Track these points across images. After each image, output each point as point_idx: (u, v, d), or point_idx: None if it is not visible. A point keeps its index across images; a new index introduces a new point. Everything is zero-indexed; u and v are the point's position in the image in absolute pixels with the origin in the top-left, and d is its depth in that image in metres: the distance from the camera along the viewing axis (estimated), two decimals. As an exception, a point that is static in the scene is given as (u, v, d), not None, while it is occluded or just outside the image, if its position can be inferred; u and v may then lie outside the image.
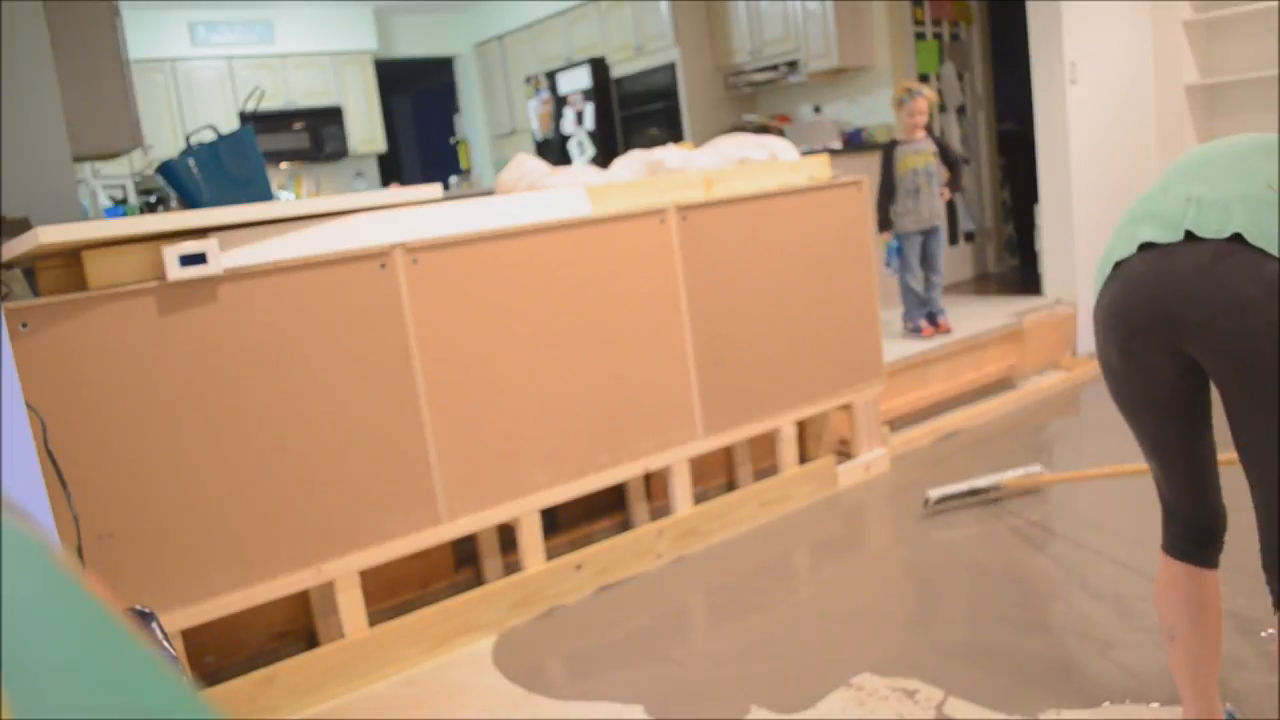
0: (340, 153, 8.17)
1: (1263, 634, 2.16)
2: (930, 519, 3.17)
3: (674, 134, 6.60)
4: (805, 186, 3.31)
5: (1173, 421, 1.56)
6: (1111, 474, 2.98)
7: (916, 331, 4.43)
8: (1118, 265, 1.52)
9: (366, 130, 8.36)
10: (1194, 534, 1.63)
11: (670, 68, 6.63)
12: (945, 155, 4.54)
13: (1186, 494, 1.62)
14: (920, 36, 5.90)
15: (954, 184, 4.61)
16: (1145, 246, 1.48)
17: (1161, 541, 1.70)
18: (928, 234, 4.49)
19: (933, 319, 4.46)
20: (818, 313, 3.35)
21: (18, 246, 1.97)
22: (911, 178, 4.43)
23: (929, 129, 4.55)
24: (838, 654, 2.36)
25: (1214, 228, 1.40)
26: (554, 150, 7.55)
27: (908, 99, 4.43)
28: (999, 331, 4.52)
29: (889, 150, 4.52)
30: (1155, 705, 1.98)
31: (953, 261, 6.17)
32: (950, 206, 6.13)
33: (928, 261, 4.51)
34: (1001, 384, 4.48)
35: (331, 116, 8.11)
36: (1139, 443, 1.65)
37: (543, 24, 7.87)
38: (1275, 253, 1.36)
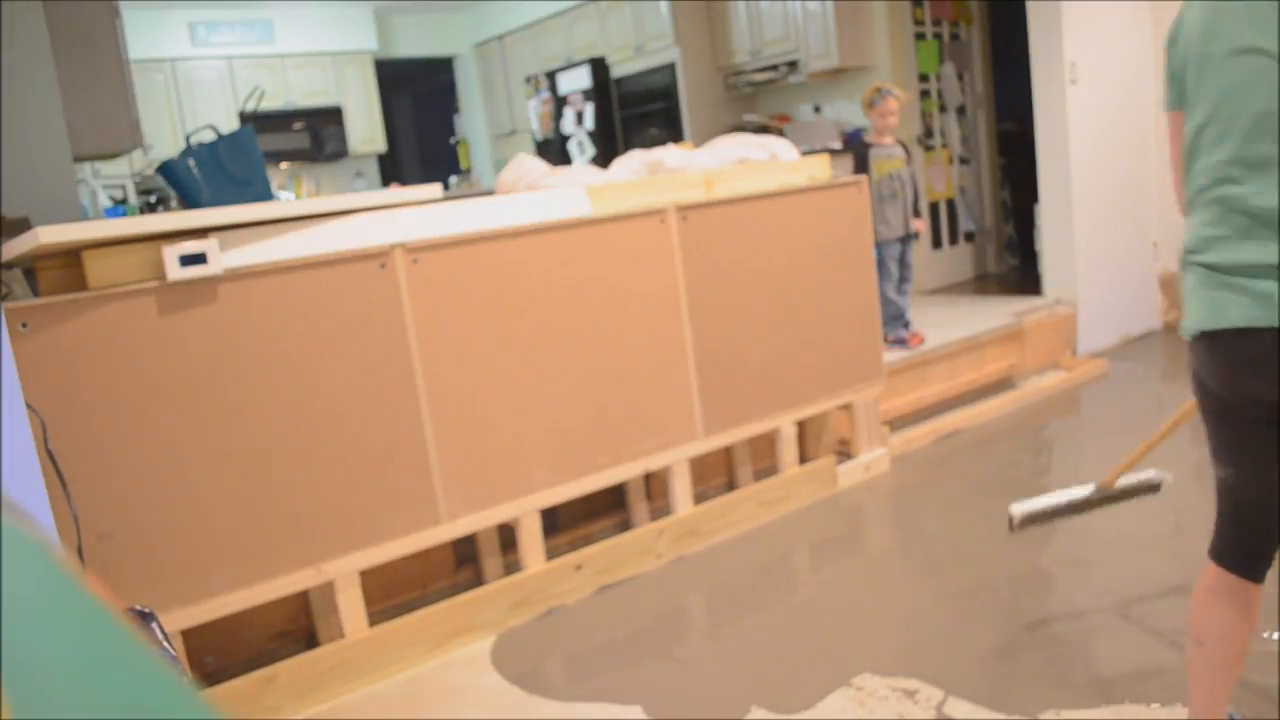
0: (340, 153, 8.18)
1: (1264, 635, 2.16)
2: (929, 519, 3.17)
3: (674, 134, 6.60)
4: (805, 186, 3.31)
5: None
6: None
7: (901, 344, 4.24)
8: (1210, 334, 1.46)
9: (366, 130, 8.36)
10: (1260, 547, 1.56)
11: (670, 68, 6.63)
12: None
13: (1268, 506, 1.53)
14: (920, 36, 5.90)
15: (916, 209, 4.49)
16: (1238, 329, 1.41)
17: (1212, 548, 1.62)
18: (905, 241, 4.38)
19: (907, 326, 4.37)
20: (818, 313, 3.35)
21: (18, 246, 1.97)
22: (887, 183, 4.35)
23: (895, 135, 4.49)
24: (838, 654, 2.35)
25: None
26: (554, 150, 7.55)
27: (878, 100, 4.36)
28: (999, 331, 4.51)
29: (862, 154, 4.40)
30: (1155, 705, 1.98)
31: (953, 261, 6.18)
32: (950, 206, 6.14)
33: (903, 270, 4.41)
34: (1001, 384, 4.49)
35: (331, 116, 8.11)
36: (1220, 447, 1.56)
37: (543, 24, 7.87)
38: None
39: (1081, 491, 2.46)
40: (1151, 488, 2.52)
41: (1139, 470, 2.52)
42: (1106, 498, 2.47)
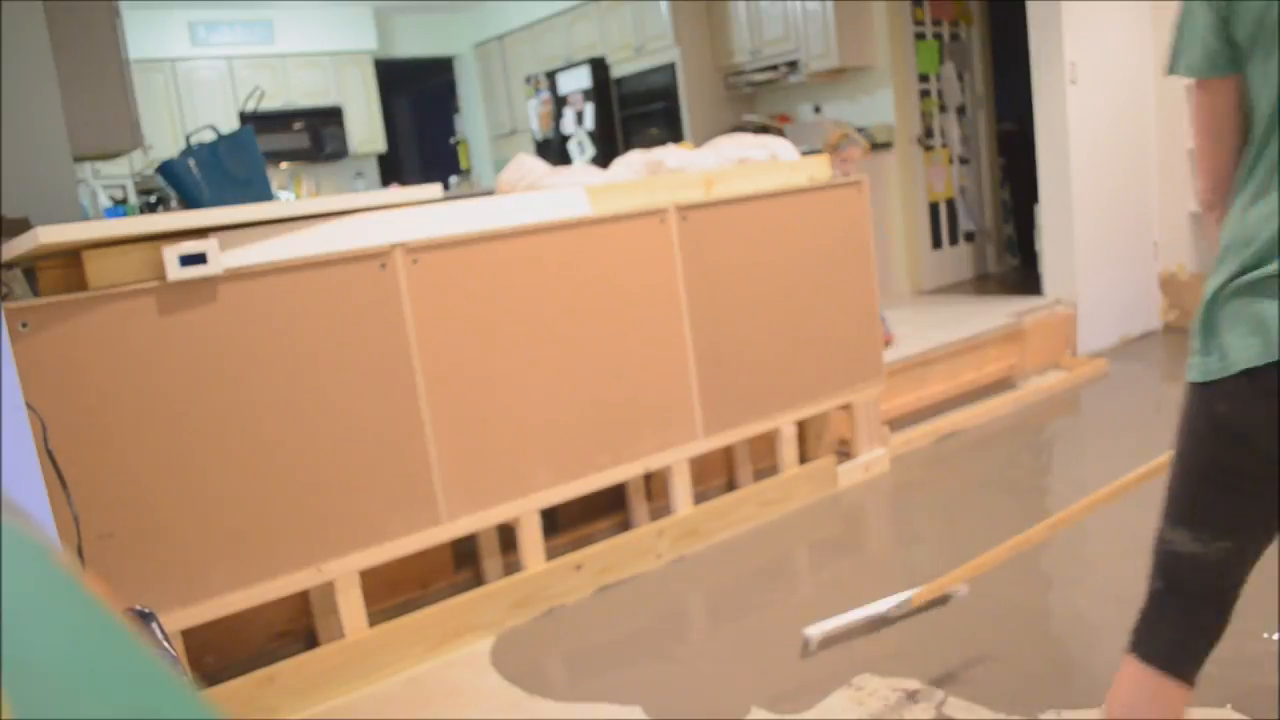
0: (340, 153, 8.18)
1: (1264, 635, 2.16)
2: (929, 519, 3.16)
3: (674, 134, 6.60)
4: (805, 186, 3.31)
5: None
6: (1023, 543, 2.21)
7: None
8: (1248, 373, 1.16)
9: (366, 130, 8.36)
10: (1214, 633, 1.35)
11: (670, 68, 6.63)
12: None
13: (1235, 588, 1.34)
14: (920, 36, 5.89)
15: None
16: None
17: (1139, 644, 1.39)
18: None
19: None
20: (818, 313, 3.35)
21: (18, 246, 1.97)
22: None
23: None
24: (838, 654, 2.35)
25: None
26: (554, 150, 7.55)
27: (844, 145, 4.39)
28: (999, 331, 4.51)
29: None
30: (1155, 705, 1.97)
31: (953, 261, 6.17)
32: (950, 206, 6.14)
33: None
34: (1001, 384, 4.48)
35: (331, 116, 8.11)
36: (1208, 520, 1.30)
37: (543, 24, 7.87)
38: None
39: (884, 605, 2.39)
40: (944, 600, 2.47)
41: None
42: (909, 612, 2.40)
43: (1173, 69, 1.25)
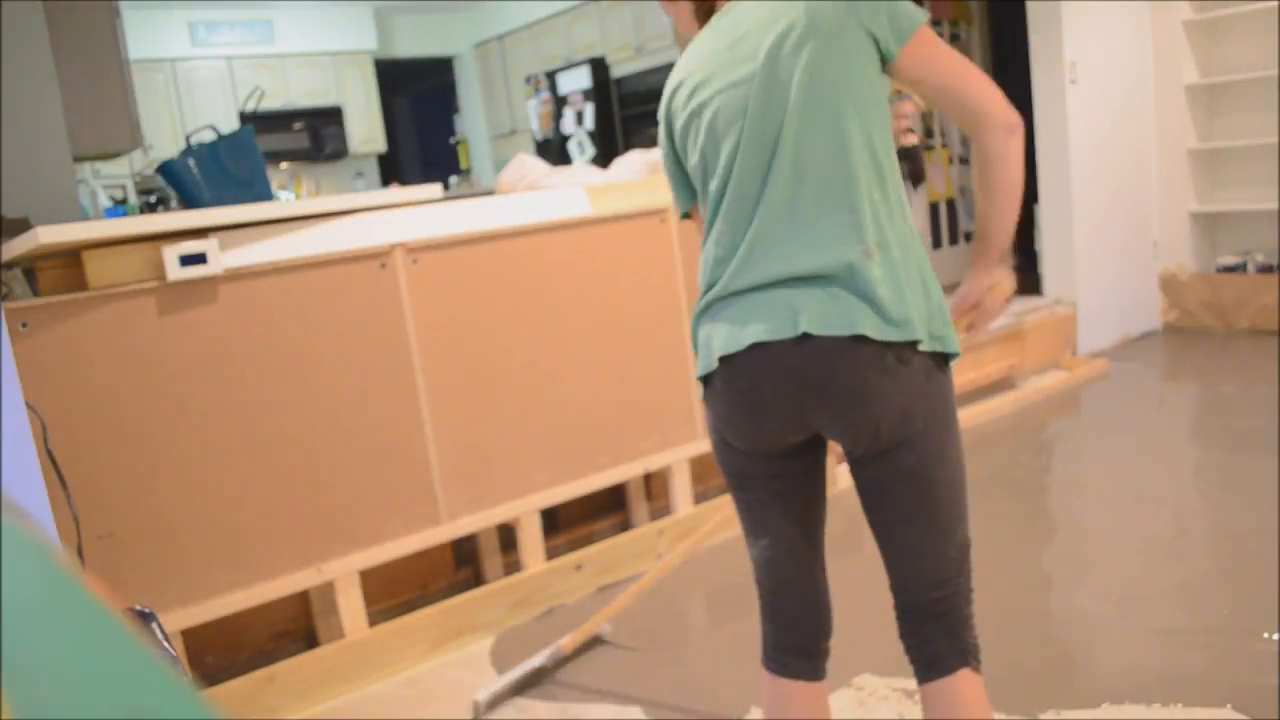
0: (340, 153, 8.17)
1: (1264, 636, 2.16)
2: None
3: (674, 134, 6.59)
4: (805, 186, 3.30)
5: (819, 501, 1.47)
6: (651, 581, 2.34)
7: None
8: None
9: (366, 130, 8.35)
10: (808, 624, 1.51)
11: (670, 68, 6.63)
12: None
13: (802, 580, 1.49)
14: (920, 36, 5.89)
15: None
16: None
17: (762, 657, 1.52)
18: None
19: None
20: (818, 313, 3.35)
21: (18, 246, 1.97)
22: None
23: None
24: (838, 654, 2.35)
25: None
26: (554, 150, 7.55)
27: (894, 100, 4.33)
28: (999, 331, 4.51)
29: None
30: (1156, 705, 1.98)
31: (953, 261, 6.17)
32: (950, 206, 6.13)
33: None
34: (1001, 384, 4.48)
35: (331, 116, 8.11)
36: (744, 523, 1.48)
37: (543, 24, 7.87)
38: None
39: (538, 660, 2.36)
40: (597, 639, 2.49)
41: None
42: (564, 659, 2.40)
43: (679, 211, 1.55)
